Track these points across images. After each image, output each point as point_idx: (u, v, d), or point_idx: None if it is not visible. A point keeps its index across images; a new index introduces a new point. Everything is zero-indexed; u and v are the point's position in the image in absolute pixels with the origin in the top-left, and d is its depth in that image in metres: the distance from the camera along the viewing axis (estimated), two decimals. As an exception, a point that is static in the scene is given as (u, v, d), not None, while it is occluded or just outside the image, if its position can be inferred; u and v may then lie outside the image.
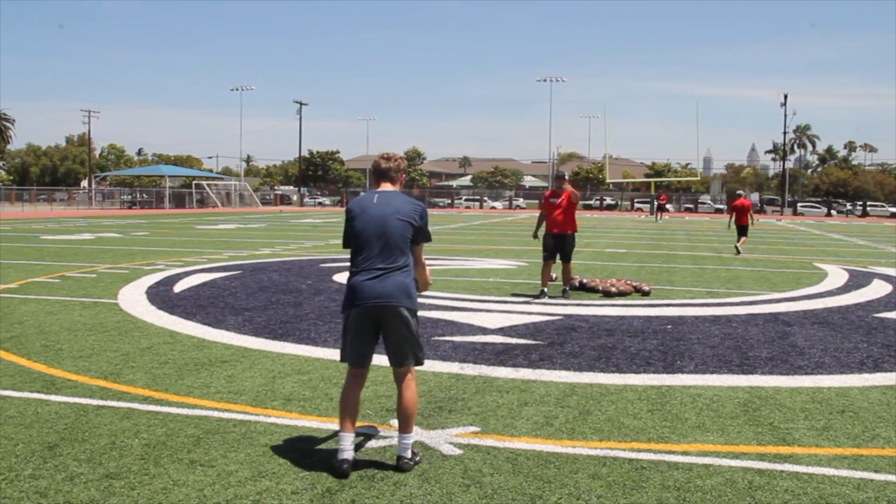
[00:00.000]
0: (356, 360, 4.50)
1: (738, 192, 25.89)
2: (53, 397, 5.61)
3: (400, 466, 4.32)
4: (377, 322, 4.42)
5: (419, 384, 5.43)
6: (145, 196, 68.43)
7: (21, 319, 8.74)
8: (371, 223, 4.42)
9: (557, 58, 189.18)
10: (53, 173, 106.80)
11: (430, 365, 6.69)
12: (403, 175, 4.74)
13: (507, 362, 6.89)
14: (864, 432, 5.10)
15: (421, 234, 4.53)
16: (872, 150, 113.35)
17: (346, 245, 4.59)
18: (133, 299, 10.41)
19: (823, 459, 4.58)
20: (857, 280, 14.16)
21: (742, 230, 20.74)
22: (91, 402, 5.47)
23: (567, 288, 11.54)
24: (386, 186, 4.63)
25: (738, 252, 19.85)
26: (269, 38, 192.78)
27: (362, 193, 4.68)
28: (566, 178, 12.00)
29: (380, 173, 4.66)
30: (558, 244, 11.40)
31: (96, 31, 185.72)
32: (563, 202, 11.38)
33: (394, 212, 4.43)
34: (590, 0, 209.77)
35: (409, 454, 4.35)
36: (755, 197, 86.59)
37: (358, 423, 4.58)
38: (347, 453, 4.29)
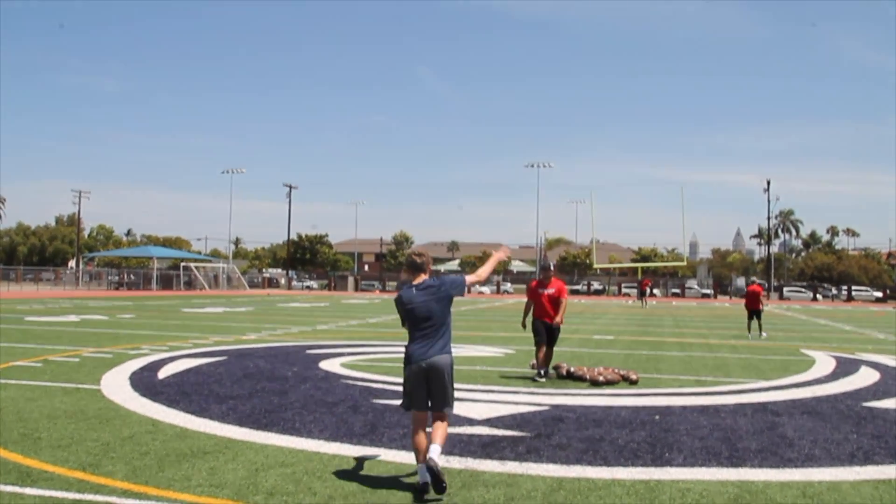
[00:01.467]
0: (419, 405, 5.93)
1: (752, 279, 27.31)
2: (28, 490, 5.48)
3: (427, 463, 5.54)
4: (427, 376, 5.89)
5: (404, 477, 5.69)
6: (133, 277, 68.30)
7: (0, 406, 8.59)
8: (418, 308, 5.95)
9: (544, 143, 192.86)
10: (42, 253, 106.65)
11: (415, 458, 6.59)
12: (430, 265, 6.18)
13: (493, 455, 6.79)
14: (855, 530, 5.02)
15: (455, 289, 6.07)
16: (855, 234, 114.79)
17: (404, 325, 6.10)
18: (116, 385, 10.27)
19: (816, 559, 4.49)
20: (845, 367, 14.14)
21: (755, 314, 21.92)
22: (68, 496, 5.34)
23: (548, 369, 11.82)
24: (421, 277, 6.08)
25: (751, 336, 21.48)
26: (260, 122, 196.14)
27: (405, 286, 6.09)
28: (552, 268, 12.33)
29: (415, 267, 6.13)
30: (548, 330, 11.89)
31: (89, 110, 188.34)
32: (555, 293, 11.98)
33: (433, 297, 5.96)
34: (576, 87, 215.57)
35: (437, 456, 5.61)
36: (742, 281, 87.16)
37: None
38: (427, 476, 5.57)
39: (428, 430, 5.94)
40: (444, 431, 5.88)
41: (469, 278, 6.18)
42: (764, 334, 21.76)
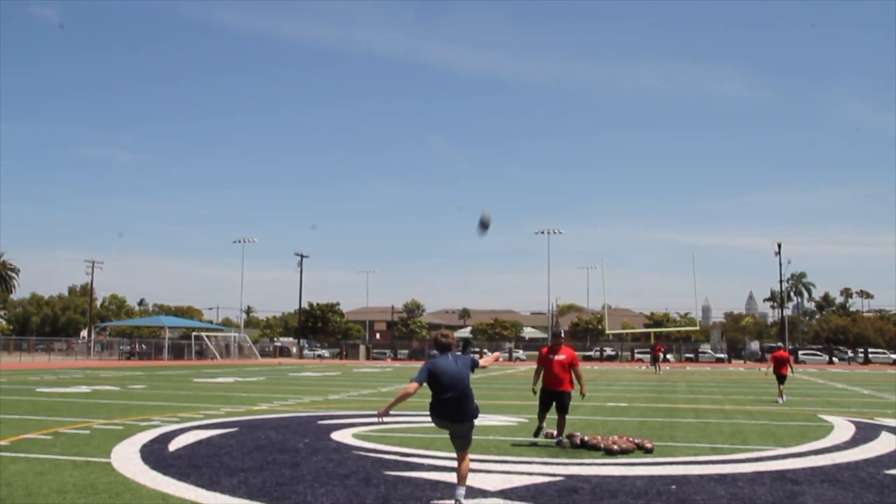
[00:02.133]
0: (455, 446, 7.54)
1: (778, 344, 28.73)
2: (38, 569, 5.40)
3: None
4: (453, 432, 7.42)
5: None
6: (144, 347, 68.29)
7: (9, 480, 8.54)
8: (446, 377, 7.15)
9: (554, 209, 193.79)
10: (54, 323, 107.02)
11: (429, 531, 6.50)
12: (455, 343, 7.52)
13: (508, 527, 6.68)
14: None
15: (473, 365, 7.46)
16: (868, 296, 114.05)
17: (427, 384, 7.19)
18: (126, 458, 10.20)
19: None
20: (865, 433, 13.92)
21: (781, 379, 22.27)
22: (76, 575, 5.27)
23: (562, 439, 11.75)
24: (447, 353, 7.37)
25: (780, 400, 21.73)
26: (271, 191, 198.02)
27: (438, 358, 7.31)
28: (562, 335, 12.42)
29: (442, 346, 7.43)
30: (556, 399, 11.97)
31: (103, 181, 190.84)
32: (565, 360, 11.98)
33: (461, 369, 7.25)
34: (584, 153, 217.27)
35: (462, 496, 7.15)
36: (755, 345, 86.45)
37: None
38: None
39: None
40: (466, 465, 7.43)
41: (481, 362, 7.65)
42: (783, 398, 21.98)
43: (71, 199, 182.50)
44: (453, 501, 7.20)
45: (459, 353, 7.45)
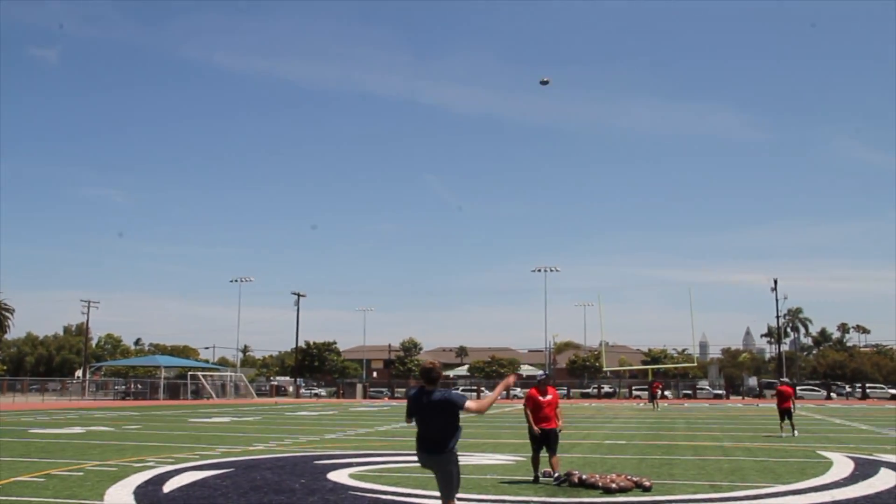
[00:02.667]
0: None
1: (783, 379, 30.93)
2: None
3: None
4: (433, 469, 6.93)
5: None
6: (140, 387, 67.90)
7: (2, 525, 8.45)
8: (429, 412, 6.83)
9: (551, 247, 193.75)
10: (49, 363, 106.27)
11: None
12: (440, 376, 7.02)
13: (505, 568, 6.62)
14: None
15: (457, 405, 6.81)
16: (865, 331, 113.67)
17: (408, 419, 7.04)
18: (120, 501, 10.11)
19: None
20: (864, 469, 13.85)
21: (786, 413, 22.40)
22: None
23: (560, 475, 11.97)
24: (432, 386, 6.93)
25: (784, 435, 22.03)
26: (268, 231, 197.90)
27: (416, 389, 6.99)
28: (550, 377, 13.24)
29: (429, 377, 6.95)
30: (551, 436, 12.27)
31: (99, 222, 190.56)
32: (553, 399, 12.51)
33: (443, 405, 6.79)
34: (580, 191, 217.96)
35: None
36: (753, 381, 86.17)
37: None
38: None
39: None
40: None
41: (469, 404, 6.78)
42: (796, 433, 22.20)
43: (67, 239, 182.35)
44: None
45: (445, 391, 6.95)
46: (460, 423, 6.95)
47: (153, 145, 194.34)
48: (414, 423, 7.04)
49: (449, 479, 6.88)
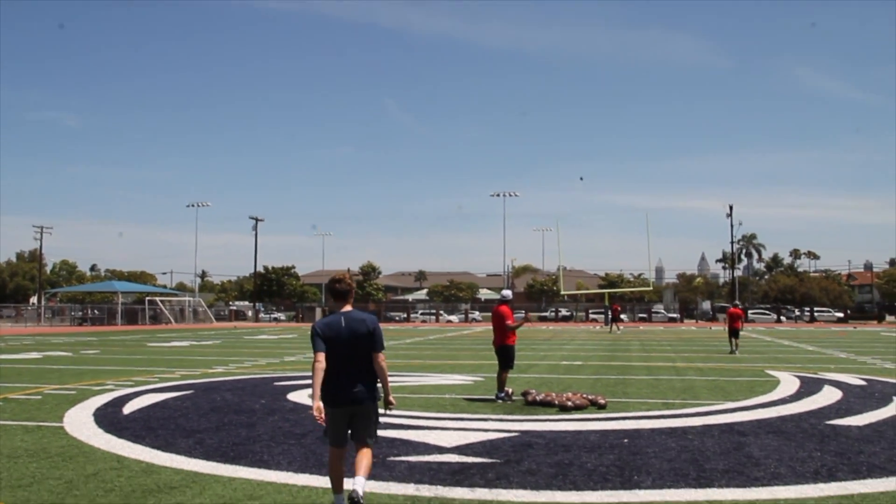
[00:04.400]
0: (339, 442, 5.70)
1: (735, 302, 33.10)
2: (-10, 531, 5.37)
3: (351, 497, 5.35)
4: (352, 415, 5.70)
5: None
6: (97, 312, 67.29)
7: (-40, 447, 8.41)
8: (345, 340, 5.63)
9: (510, 172, 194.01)
10: (2, 289, 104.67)
11: (385, 486, 6.59)
12: (353, 292, 5.94)
13: (463, 482, 6.78)
14: (821, 546, 5.08)
15: (376, 345, 5.73)
16: (815, 257, 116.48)
17: (317, 350, 5.62)
18: (79, 422, 10.11)
19: (782, 576, 4.54)
20: (809, 387, 14.34)
21: (735, 333, 25.21)
22: (30, 536, 5.24)
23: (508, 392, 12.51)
24: (346, 306, 5.79)
25: (732, 352, 24.55)
26: (225, 155, 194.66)
27: (328, 315, 5.82)
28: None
29: (338, 294, 5.84)
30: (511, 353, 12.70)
31: (51, 145, 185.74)
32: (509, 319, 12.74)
33: (361, 332, 5.67)
34: (540, 116, 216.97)
35: (361, 491, 5.42)
36: (707, 305, 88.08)
37: None
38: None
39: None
40: (368, 461, 5.71)
41: (382, 358, 5.75)
42: (738, 352, 24.61)
43: (17, 164, 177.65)
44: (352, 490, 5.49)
45: (363, 313, 5.86)
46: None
47: (104, 65, 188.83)
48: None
49: (369, 423, 5.82)
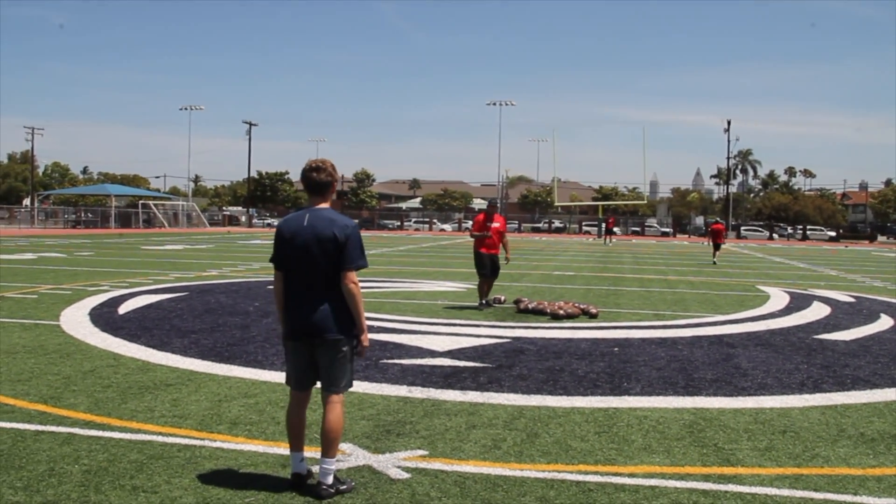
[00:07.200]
0: (294, 383, 4.45)
1: (717, 218, 35.05)
2: (-10, 422, 5.45)
3: (317, 492, 4.16)
4: (311, 352, 4.32)
5: (367, 407, 5.77)
6: (90, 215, 67.14)
7: (-43, 342, 8.49)
8: (298, 244, 4.25)
9: (507, 82, 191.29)
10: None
11: (378, 388, 6.68)
12: (335, 186, 4.50)
13: (455, 385, 6.89)
14: (804, 452, 5.21)
15: (351, 258, 4.24)
16: (811, 175, 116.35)
17: (273, 263, 4.44)
18: (75, 321, 10.19)
19: (766, 479, 4.66)
20: (798, 302, 14.50)
21: (717, 246, 28.05)
22: (29, 428, 5.33)
23: (489, 300, 12.84)
24: (321, 203, 4.37)
25: (715, 263, 26.39)
26: (219, 58, 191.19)
27: (292, 213, 4.44)
28: (497, 206, 13.51)
29: (312, 186, 4.37)
30: (495, 263, 12.71)
31: (42, 45, 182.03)
32: (500, 228, 12.82)
33: (326, 236, 4.21)
34: (538, 26, 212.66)
35: (329, 480, 4.18)
36: (700, 220, 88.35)
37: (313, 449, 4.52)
38: (300, 468, 4.36)
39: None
40: (334, 430, 4.24)
41: (353, 278, 4.23)
42: (716, 262, 26.86)
43: (6, 63, 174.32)
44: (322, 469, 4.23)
45: (339, 215, 4.39)
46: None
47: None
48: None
49: (333, 365, 4.30)
